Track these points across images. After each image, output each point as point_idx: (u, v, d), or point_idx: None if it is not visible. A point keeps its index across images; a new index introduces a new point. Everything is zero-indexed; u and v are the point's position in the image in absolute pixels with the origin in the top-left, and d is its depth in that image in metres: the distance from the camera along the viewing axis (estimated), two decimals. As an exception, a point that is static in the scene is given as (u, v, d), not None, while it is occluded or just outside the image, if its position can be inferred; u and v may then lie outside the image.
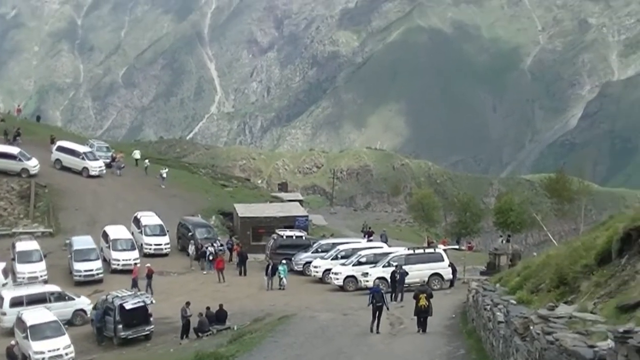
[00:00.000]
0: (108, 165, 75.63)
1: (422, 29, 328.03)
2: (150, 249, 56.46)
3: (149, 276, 46.35)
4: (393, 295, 39.89)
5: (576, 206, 68.86)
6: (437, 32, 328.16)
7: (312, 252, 54.08)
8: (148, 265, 48.19)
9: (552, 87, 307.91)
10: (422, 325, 29.78)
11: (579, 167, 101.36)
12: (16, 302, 39.39)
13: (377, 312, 30.62)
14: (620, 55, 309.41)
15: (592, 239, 19.13)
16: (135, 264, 50.10)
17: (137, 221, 58.46)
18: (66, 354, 34.25)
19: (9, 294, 40.35)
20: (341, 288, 46.78)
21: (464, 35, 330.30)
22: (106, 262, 51.73)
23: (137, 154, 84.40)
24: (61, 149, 72.61)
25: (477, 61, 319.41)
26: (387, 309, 32.22)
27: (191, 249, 55.11)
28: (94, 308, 39.34)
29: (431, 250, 49.25)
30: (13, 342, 34.53)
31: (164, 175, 75.30)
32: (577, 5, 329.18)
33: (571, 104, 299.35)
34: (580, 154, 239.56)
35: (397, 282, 41.02)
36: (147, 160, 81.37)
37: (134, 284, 44.97)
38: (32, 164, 67.23)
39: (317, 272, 51.06)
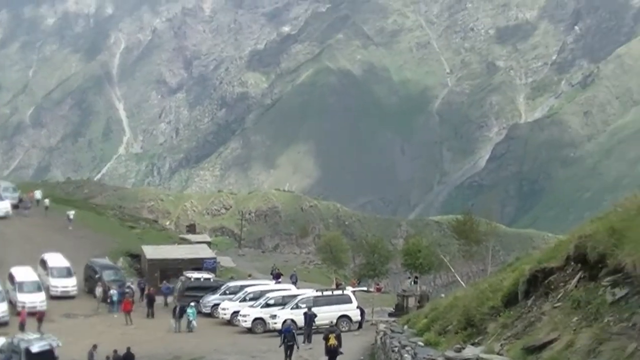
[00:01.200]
0: (15, 206, 74.60)
1: (331, 71, 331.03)
2: (57, 291, 55.65)
3: (39, 319, 45.85)
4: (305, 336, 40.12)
5: (484, 247, 69.43)
6: (346, 74, 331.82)
7: (221, 294, 54.03)
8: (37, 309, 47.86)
9: (460, 129, 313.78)
10: (332, 364, 30.30)
11: (486, 209, 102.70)
12: None
13: (289, 351, 31.14)
14: (527, 98, 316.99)
15: (499, 281, 19.44)
16: (23, 307, 49.27)
17: (43, 263, 57.55)
18: None
19: None
20: (249, 330, 46.79)
21: (373, 77, 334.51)
22: (12, 304, 50.99)
23: (38, 194, 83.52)
24: (-35, 190, 71.45)
25: (386, 103, 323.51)
26: (297, 347, 32.72)
27: (98, 291, 54.70)
28: (-1, 352, 38.77)
29: (339, 292, 49.62)
30: None
31: (71, 216, 74.54)
32: (485, 49, 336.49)
33: (479, 145, 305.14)
34: (488, 196, 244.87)
35: (305, 324, 41.02)
36: (47, 200, 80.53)
37: (21, 327, 44.12)
38: None
39: (225, 314, 51.06)
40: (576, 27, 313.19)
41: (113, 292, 53.50)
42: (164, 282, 58.80)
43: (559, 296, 13.58)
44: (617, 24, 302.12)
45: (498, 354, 13.29)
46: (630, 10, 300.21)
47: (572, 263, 13.77)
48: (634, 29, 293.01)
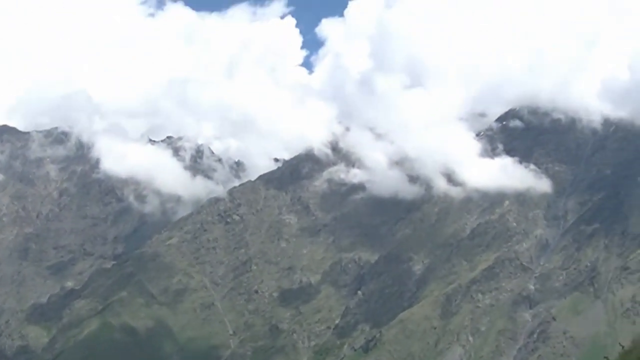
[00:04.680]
0: None
1: (114, 328, 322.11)
2: None
3: None
4: None
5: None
6: (130, 331, 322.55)
7: None
8: None
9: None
10: None
11: None
12: None
13: None
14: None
15: None
16: None
17: None
18: None
19: None
20: None
21: (158, 335, 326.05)
22: None
23: None
24: None
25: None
26: None
27: None
28: None
29: None
30: None
31: None
32: (269, 311, 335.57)
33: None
34: None
35: None
36: None
37: None
38: None
39: None
40: (359, 292, 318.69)
41: None
42: None
43: None
44: (399, 289, 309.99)
45: None
46: (413, 276, 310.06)
47: None
48: (416, 295, 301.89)
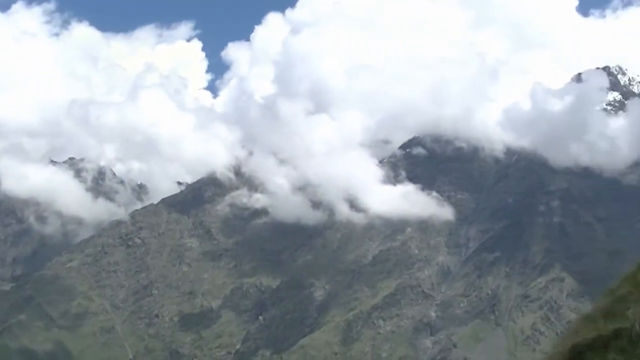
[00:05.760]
0: None
1: (12, 350, 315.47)
2: None
3: None
4: None
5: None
6: (29, 354, 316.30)
7: None
8: None
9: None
10: None
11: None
12: None
13: None
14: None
15: None
16: None
17: None
18: None
19: None
20: None
21: (57, 359, 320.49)
22: None
23: None
24: None
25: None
26: None
27: None
28: None
29: None
30: None
31: None
32: (169, 336, 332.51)
33: None
34: None
35: None
36: None
37: None
38: None
39: None
40: (260, 317, 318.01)
41: None
42: None
43: None
44: (301, 315, 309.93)
45: None
46: (314, 302, 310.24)
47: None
48: (318, 321, 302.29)
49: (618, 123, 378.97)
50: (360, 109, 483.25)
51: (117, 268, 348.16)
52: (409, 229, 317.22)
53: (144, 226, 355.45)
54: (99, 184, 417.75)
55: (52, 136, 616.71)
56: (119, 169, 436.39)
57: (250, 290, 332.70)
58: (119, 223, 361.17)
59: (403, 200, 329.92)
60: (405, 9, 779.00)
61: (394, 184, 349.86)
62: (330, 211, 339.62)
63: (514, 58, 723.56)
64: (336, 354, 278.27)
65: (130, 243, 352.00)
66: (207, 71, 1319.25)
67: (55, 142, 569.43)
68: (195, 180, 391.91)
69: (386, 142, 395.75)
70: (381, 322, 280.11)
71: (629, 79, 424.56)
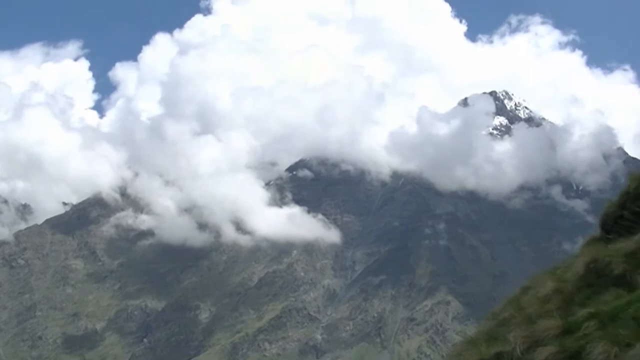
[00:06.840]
0: None
1: None
2: None
3: None
4: None
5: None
6: None
7: None
8: None
9: None
10: None
11: None
12: None
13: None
14: None
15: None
16: None
17: None
18: None
19: None
20: None
21: None
22: None
23: None
24: None
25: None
26: None
27: None
28: None
29: None
30: None
31: None
32: (53, 358, 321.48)
33: None
34: None
35: None
36: None
37: None
38: None
39: None
40: (145, 340, 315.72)
41: None
42: None
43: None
44: (186, 338, 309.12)
45: None
46: (200, 325, 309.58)
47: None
48: (203, 343, 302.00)
49: (504, 147, 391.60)
50: (247, 131, 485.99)
51: (0, 289, 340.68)
52: (295, 252, 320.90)
53: (28, 247, 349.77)
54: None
55: None
56: (2, 188, 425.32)
57: (135, 312, 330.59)
58: (2, 243, 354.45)
59: (289, 223, 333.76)
60: (293, 32, 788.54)
61: (280, 206, 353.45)
62: (217, 233, 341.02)
63: (400, 82, 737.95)
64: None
65: (13, 264, 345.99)
66: (94, 91, 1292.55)
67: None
68: (80, 200, 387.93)
69: (272, 164, 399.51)
70: (267, 345, 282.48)
71: (515, 104, 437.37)
